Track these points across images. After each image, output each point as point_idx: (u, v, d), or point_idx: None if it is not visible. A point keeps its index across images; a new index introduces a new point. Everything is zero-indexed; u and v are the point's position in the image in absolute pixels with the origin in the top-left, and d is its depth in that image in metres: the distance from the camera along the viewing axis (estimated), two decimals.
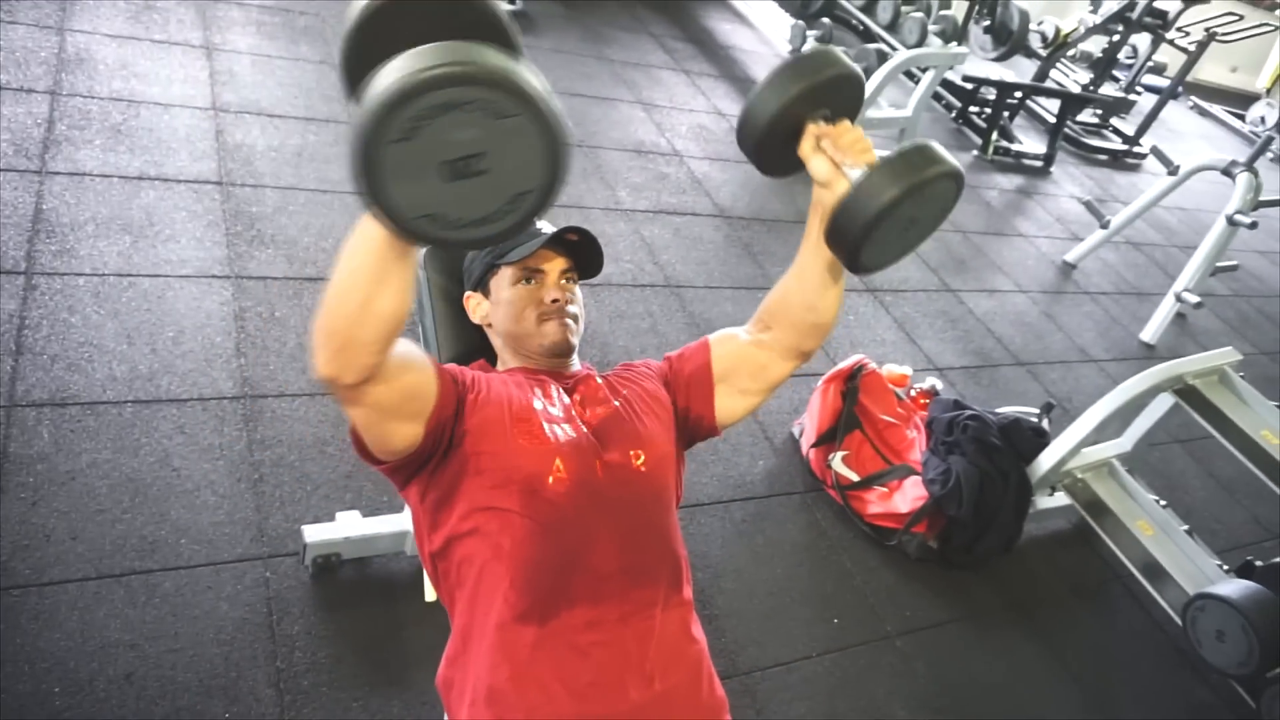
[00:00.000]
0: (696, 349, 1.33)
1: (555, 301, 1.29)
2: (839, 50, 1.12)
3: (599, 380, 1.30)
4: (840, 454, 2.46)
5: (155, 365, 2.04)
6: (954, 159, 1.05)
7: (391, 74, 0.76)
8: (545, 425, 1.17)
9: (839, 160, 1.08)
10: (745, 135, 1.11)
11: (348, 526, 1.78)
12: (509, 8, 4.33)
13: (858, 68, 1.12)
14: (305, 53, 3.45)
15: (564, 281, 1.33)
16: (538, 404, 1.21)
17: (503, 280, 1.33)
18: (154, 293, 2.21)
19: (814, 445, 2.51)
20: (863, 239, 1.02)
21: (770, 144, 1.10)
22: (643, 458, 1.20)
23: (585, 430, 1.20)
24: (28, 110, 2.58)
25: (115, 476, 1.79)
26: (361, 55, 0.90)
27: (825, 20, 5.08)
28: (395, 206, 0.80)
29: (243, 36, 3.38)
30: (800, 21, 4.81)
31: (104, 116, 2.69)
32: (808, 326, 1.23)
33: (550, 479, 1.13)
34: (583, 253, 1.35)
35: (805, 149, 1.10)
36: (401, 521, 1.81)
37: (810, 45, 4.73)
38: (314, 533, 1.74)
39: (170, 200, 2.51)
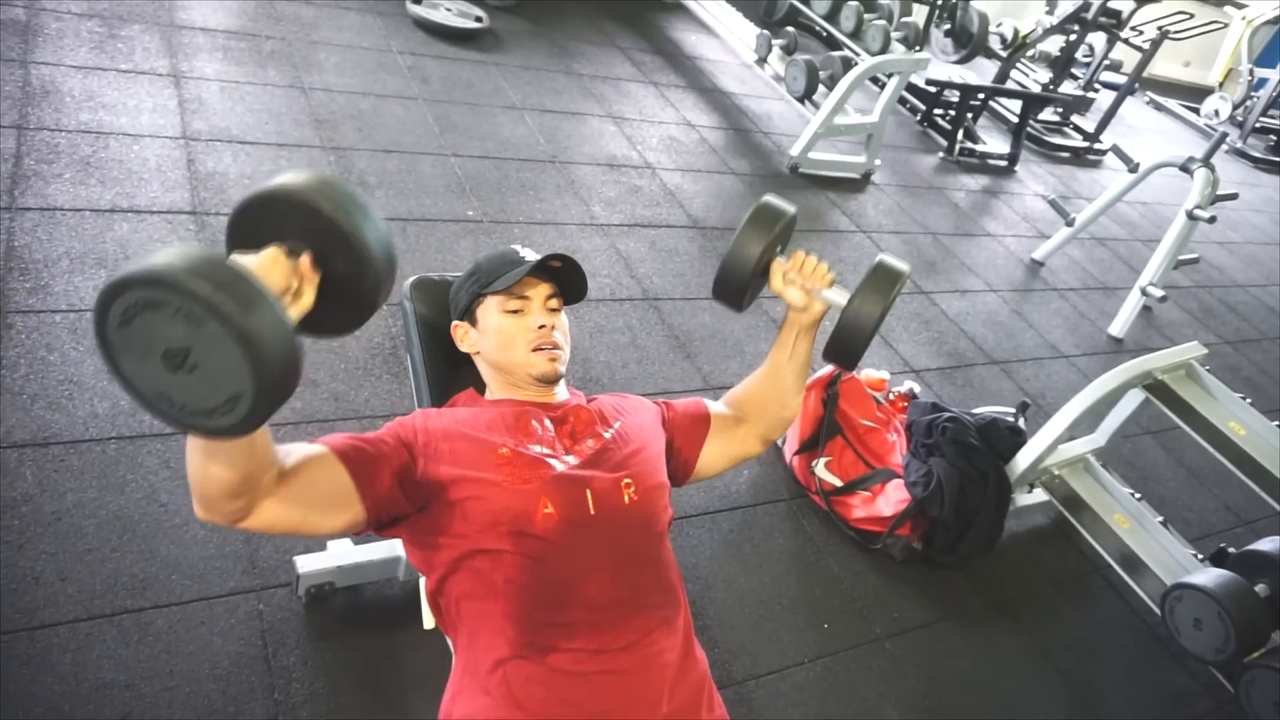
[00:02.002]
0: (694, 402, 1.49)
1: (542, 328, 1.31)
2: (775, 198, 1.35)
3: (590, 409, 1.32)
4: (823, 460, 2.50)
5: None
6: (903, 261, 1.31)
7: (125, 266, 0.81)
8: (529, 465, 1.19)
9: (808, 288, 1.35)
10: (728, 290, 1.34)
11: (340, 555, 1.78)
12: (476, 25, 4.35)
13: (793, 208, 1.36)
14: (274, 77, 3.44)
15: (549, 308, 1.35)
16: (520, 442, 1.22)
17: (489, 309, 1.35)
18: None
19: (797, 453, 2.54)
20: (863, 351, 1.29)
21: (748, 291, 1.35)
22: (633, 488, 1.22)
23: (575, 462, 1.22)
24: None
25: (102, 515, 1.78)
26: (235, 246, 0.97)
27: (790, 29, 5.15)
28: (131, 381, 0.84)
29: (210, 63, 3.36)
30: (765, 31, 4.86)
31: (73, 149, 2.67)
32: (779, 421, 1.47)
33: (538, 516, 1.14)
34: (566, 278, 1.37)
35: (777, 283, 1.36)
36: (393, 547, 1.81)
37: (775, 56, 4.79)
38: (307, 563, 1.74)
39: (144, 232, 2.49)
